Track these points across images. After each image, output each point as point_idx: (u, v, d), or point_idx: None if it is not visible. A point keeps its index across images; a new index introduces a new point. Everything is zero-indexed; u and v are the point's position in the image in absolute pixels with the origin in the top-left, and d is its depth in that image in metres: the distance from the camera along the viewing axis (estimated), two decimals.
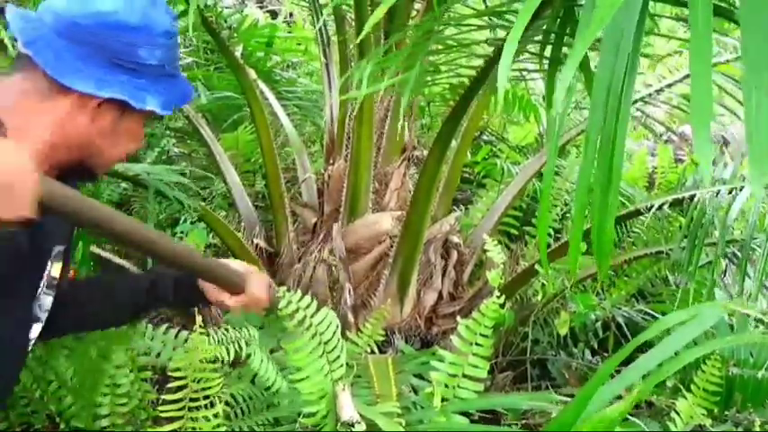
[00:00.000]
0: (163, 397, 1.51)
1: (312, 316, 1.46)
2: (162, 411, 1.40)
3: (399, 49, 2.26)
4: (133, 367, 1.77)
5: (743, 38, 0.78)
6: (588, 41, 0.79)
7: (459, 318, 1.64)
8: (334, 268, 2.32)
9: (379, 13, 0.99)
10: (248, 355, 1.56)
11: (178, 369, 1.48)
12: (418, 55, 1.52)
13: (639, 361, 1.09)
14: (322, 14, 2.77)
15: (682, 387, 1.89)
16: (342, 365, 1.47)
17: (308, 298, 1.47)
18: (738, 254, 2.23)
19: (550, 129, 3.03)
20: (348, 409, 1.34)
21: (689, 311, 1.05)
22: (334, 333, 1.47)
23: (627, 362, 1.10)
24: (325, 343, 1.47)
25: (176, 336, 1.88)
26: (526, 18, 0.84)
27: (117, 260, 2.37)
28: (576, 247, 1.03)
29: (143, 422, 1.81)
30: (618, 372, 1.12)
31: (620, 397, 1.12)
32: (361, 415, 1.35)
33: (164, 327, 1.93)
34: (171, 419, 1.51)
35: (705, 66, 0.77)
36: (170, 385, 1.43)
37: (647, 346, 1.12)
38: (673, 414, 1.65)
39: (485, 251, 2.18)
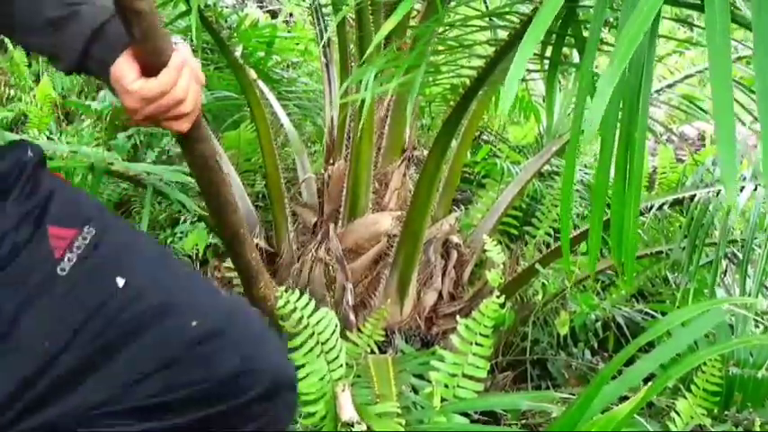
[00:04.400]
0: None
1: (310, 316, 1.46)
2: None
3: (399, 50, 2.26)
4: None
5: (755, 34, 0.78)
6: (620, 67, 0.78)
7: (459, 317, 1.65)
8: (331, 268, 2.32)
9: (388, 26, 0.98)
10: None
11: None
12: (422, 56, 1.52)
13: (641, 362, 1.09)
14: (322, 15, 2.77)
15: (682, 387, 1.89)
16: (341, 365, 1.47)
17: (305, 297, 1.46)
18: (738, 254, 2.23)
19: (547, 125, 3.03)
20: (348, 410, 1.34)
21: (692, 310, 1.05)
22: (333, 333, 1.47)
23: (629, 362, 1.09)
24: (323, 343, 1.47)
25: None
26: (543, 28, 0.83)
27: None
28: (595, 247, 1.03)
29: None
30: (620, 372, 1.12)
31: (623, 398, 1.12)
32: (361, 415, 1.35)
33: None
34: None
35: (725, 73, 0.77)
36: None
37: (648, 345, 1.12)
38: (673, 414, 1.65)
39: (485, 251, 2.18)
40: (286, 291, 1.47)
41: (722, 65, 0.78)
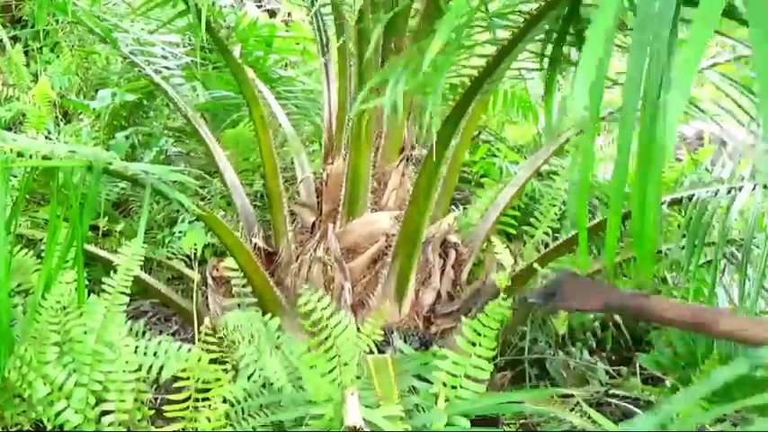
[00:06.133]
0: (167, 397, 1.50)
1: (329, 318, 1.45)
2: (166, 411, 1.40)
3: (398, 49, 2.26)
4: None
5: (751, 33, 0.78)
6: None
7: (458, 317, 1.64)
8: (329, 267, 2.32)
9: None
10: (251, 351, 1.55)
11: (183, 370, 1.48)
12: (444, 59, 1.51)
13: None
14: (321, 14, 2.76)
15: (680, 386, 1.89)
16: (352, 370, 1.46)
17: (326, 299, 1.46)
18: (737, 254, 2.23)
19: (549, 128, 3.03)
20: (354, 415, 1.34)
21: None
22: (349, 338, 1.47)
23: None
24: (339, 346, 1.46)
25: (167, 350, 1.87)
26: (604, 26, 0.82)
27: (108, 256, 2.35)
28: (612, 243, 1.03)
29: (139, 422, 1.81)
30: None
31: None
32: (366, 420, 1.34)
33: (157, 340, 1.92)
34: (170, 419, 1.51)
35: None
36: (176, 385, 1.42)
37: (647, 345, 1.11)
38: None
39: (483, 251, 2.18)
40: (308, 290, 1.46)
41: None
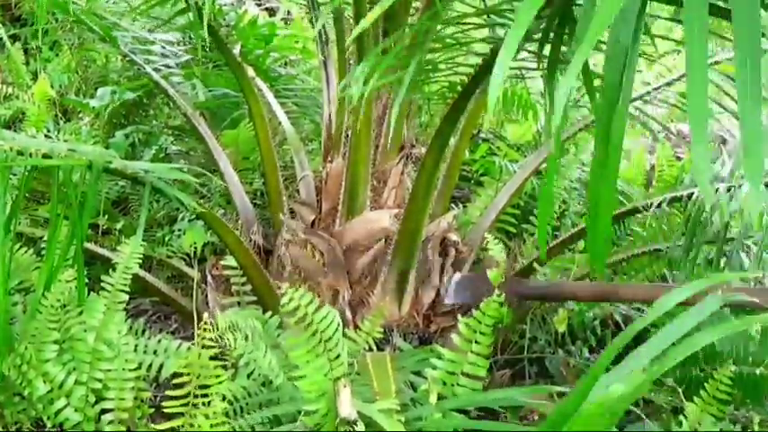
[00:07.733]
0: (166, 393, 1.51)
1: (314, 313, 1.46)
2: (165, 408, 1.40)
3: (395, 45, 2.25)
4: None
5: (734, 34, 0.78)
6: (588, 50, 0.79)
7: (458, 315, 1.64)
8: None
9: (375, 13, 0.98)
10: (249, 350, 1.56)
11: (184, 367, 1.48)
12: (416, 53, 1.51)
13: (639, 350, 1.07)
14: (320, 12, 2.76)
15: (678, 386, 1.88)
16: (342, 363, 1.47)
17: (309, 295, 1.46)
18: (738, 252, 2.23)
19: (549, 127, 3.03)
20: (346, 407, 1.34)
21: (686, 292, 1.03)
22: (335, 331, 1.47)
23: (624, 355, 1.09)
24: (326, 341, 1.47)
25: (167, 349, 1.87)
26: (525, 22, 0.83)
27: (108, 254, 2.35)
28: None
29: (138, 420, 1.81)
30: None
31: None
32: (360, 413, 1.35)
33: (157, 338, 1.92)
34: (170, 416, 1.51)
35: (701, 67, 0.77)
36: (174, 381, 1.43)
37: (644, 338, 1.11)
38: (681, 417, 1.64)
39: (483, 249, 2.18)
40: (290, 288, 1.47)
41: (698, 66, 0.78)
